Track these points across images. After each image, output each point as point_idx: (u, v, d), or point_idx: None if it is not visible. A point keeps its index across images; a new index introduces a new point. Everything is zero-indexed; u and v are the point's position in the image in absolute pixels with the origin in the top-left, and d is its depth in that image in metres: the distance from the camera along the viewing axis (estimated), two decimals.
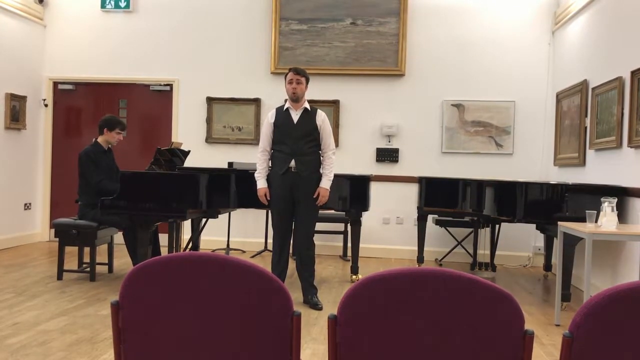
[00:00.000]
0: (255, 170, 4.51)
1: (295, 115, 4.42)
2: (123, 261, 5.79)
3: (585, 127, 5.46)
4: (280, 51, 6.95)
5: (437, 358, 1.37)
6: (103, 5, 7.19)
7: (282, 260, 4.42)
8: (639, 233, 3.74)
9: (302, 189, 4.34)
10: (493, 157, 6.72)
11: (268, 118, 4.51)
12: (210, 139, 7.08)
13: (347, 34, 6.88)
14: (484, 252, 6.16)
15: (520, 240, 6.58)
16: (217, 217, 5.77)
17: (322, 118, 4.46)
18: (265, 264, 5.66)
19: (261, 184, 4.44)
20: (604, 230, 3.69)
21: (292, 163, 4.34)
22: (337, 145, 6.74)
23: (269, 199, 4.43)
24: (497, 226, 6.12)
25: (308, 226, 4.43)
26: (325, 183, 4.40)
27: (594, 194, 4.35)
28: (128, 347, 1.51)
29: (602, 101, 5.09)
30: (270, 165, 4.47)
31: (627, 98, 4.60)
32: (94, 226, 4.96)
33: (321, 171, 4.44)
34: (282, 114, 4.45)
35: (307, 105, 4.46)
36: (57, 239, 5.09)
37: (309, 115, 4.43)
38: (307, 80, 4.45)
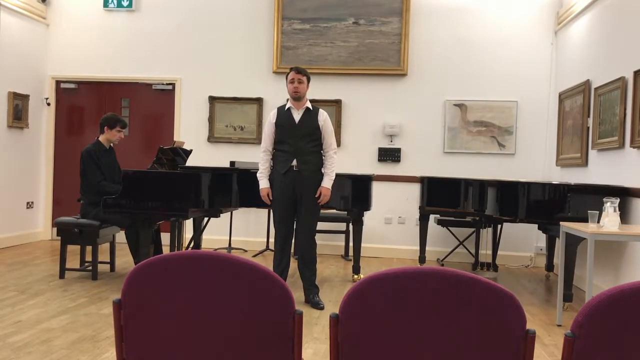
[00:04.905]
0: (257, 169, 4.51)
1: (297, 115, 4.42)
2: (125, 260, 5.80)
3: (588, 127, 5.45)
4: (283, 50, 6.95)
5: (439, 357, 1.37)
6: (106, 4, 7.20)
7: (283, 259, 4.42)
8: None
9: (303, 188, 4.35)
10: (495, 157, 6.72)
11: (270, 118, 4.52)
12: (212, 138, 7.09)
13: (349, 33, 6.88)
14: (485, 252, 6.16)
15: (522, 241, 6.58)
16: (219, 216, 5.77)
17: (323, 117, 4.46)
18: (267, 263, 5.66)
19: (263, 183, 4.45)
20: (606, 231, 3.69)
21: (294, 162, 4.34)
22: (339, 144, 6.75)
23: (271, 198, 4.43)
24: (499, 226, 6.12)
25: (310, 225, 4.43)
26: (327, 182, 4.40)
27: (596, 194, 4.34)
28: (130, 346, 1.51)
29: (605, 101, 5.08)
30: (272, 164, 4.48)
31: (629, 98, 4.59)
32: (96, 225, 4.97)
33: (323, 170, 4.44)
34: (283, 114, 4.45)
35: (308, 104, 4.46)
36: (59, 238, 5.10)
37: (310, 115, 4.43)
38: (309, 80, 4.45)
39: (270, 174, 4.47)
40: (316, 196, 4.38)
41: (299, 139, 4.36)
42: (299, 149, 4.34)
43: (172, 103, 7.18)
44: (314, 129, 4.40)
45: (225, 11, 7.08)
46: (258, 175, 4.49)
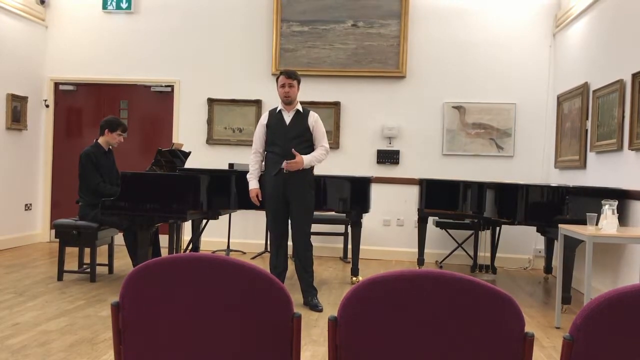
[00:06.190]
0: None
1: (288, 117, 4.46)
2: (123, 262, 5.79)
3: (586, 130, 5.45)
4: (282, 53, 6.95)
5: None
6: (104, 6, 7.20)
7: (279, 261, 4.45)
8: (639, 236, 3.74)
9: (293, 189, 4.36)
10: (494, 159, 6.72)
11: (261, 120, 4.60)
12: (211, 140, 7.08)
13: (348, 35, 6.89)
14: (484, 255, 6.16)
15: (521, 243, 6.58)
16: (218, 219, 5.77)
17: (314, 119, 4.49)
18: (265, 265, 5.66)
19: (253, 184, 4.50)
20: (605, 233, 3.69)
21: (284, 164, 4.35)
22: (337, 146, 6.77)
23: (260, 199, 4.46)
24: (497, 228, 6.12)
25: (303, 228, 4.44)
26: (307, 156, 4.35)
27: (595, 196, 4.34)
28: (128, 348, 1.51)
29: (603, 104, 5.09)
30: (264, 166, 4.51)
31: (627, 100, 4.60)
32: (94, 227, 4.96)
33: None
34: (274, 116, 4.50)
35: (299, 107, 4.50)
36: (57, 240, 5.10)
37: (301, 117, 4.46)
38: (299, 82, 4.48)
39: (260, 175, 4.50)
40: (306, 197, 4.39)
41: (289, 140, 4.38)
42: (288, 151, 4.35)
43: (171, 105, 7.18)
44: (303, 130, 4.43)
45: (224, 13, 7.08)
46: (248, 176, 4.54)
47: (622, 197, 4.42)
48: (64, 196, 7.14)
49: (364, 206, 5.15)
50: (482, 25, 6.75)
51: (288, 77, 4.41)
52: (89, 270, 5.09)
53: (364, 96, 6.91)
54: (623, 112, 4.67)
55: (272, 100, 6.77)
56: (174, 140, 6.92)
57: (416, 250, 6.14)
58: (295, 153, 4.31)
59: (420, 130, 6.83)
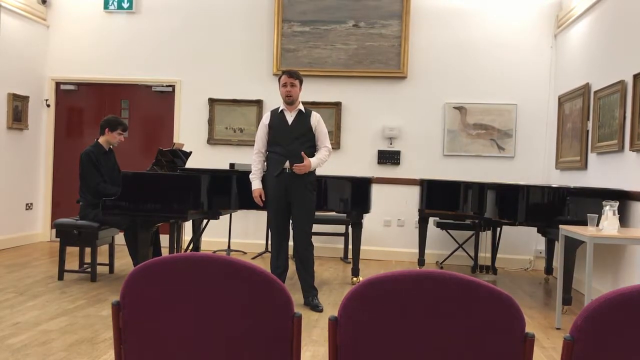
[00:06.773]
0: None
1: (290, 117, 4.45)
2: (124, 262, 5.80)
3: (587, 131, 5.45)
4: (283, 53, 6.95)
5: None
6: (106, 6, 7.20)
7: (280, 260, 4.44)
8: None
9: (296, 189, 4.37)
10: (495, 160, 6.72)
11: (263, 120, 4.59)
12: (212, 140, 7.09)
13: (349, 36, 6.89)
14: (485, 255, 6.16)
15: (522, 244, 6.58)
16: (218, 219, 5.77)
17: (317, 119, 4.48)
18: (266, 265, 5.66)
19: (256, 184, 4.49)
20: (606, 234, 3.69)
21: (287, 164, 4.35)
22: (338, 147, 6.77)
23: (264, 199, 4.46)
24: (498, 229, 6.12)
25: (304, 227, 4.44)
26: (313, 159, 4.37)
27: (596, 197, 4.34)
28: (128, 348, 1.51)
29: (604, 104, 5.09)
30: (266, 167, 4.51)
31: (629, 101, 4.60)
32: (95, 226, 4.96)
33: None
34: (277, 116, 4.49)
35: (301, 107, 4.50)
36: (58, 239, 5.09)
37: (303, 117, 4.46)
38: (301, 82, 4.48)
39: (263, 175, 4.51)
40: (308, 196, 4.40)
41: (292, 140, 4.39)
42: (291, 151, 4.36)
43: (172, 105, 7.19)
44: (306, 131, 4.43)
45: (225, 13, 7.08)
46: (251, 176, 4.54)
47: (623, 198, 4.42)
48: (64, 196, 7.14)
49: (365, 207, 5.15)
50: (483, 25, 6.75)
51: (290, 77, 4.41)
52: (89, 269, 5.09)
53: (365, 96, 6.91)
54: (624, 113, 4.67)
55: (273, 100, 6.78)
56: (175, 140, 6.93)
57: (416, 250, 6.14)
58: (304, 156, 4.32)
59: (421, 130, 6.83)
